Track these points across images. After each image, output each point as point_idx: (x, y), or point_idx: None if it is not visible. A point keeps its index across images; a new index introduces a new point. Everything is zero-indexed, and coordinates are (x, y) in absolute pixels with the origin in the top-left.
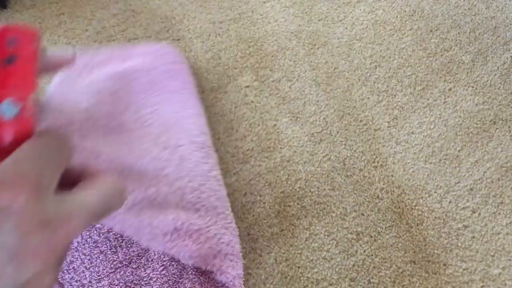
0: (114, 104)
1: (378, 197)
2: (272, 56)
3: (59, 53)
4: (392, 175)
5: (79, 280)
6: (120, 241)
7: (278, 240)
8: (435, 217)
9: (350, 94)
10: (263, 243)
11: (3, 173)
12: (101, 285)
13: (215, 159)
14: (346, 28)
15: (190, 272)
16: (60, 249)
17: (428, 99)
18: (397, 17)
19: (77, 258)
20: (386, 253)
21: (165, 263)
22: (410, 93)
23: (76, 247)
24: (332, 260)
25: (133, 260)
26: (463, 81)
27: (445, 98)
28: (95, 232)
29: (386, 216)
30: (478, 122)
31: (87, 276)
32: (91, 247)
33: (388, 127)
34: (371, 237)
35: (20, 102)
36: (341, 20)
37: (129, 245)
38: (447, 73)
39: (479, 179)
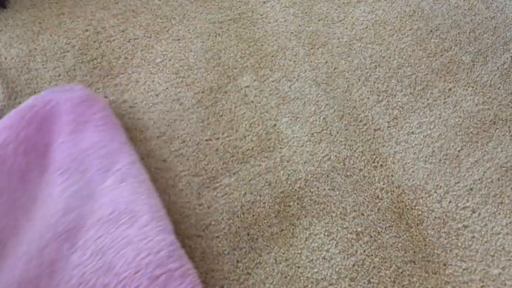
0: None
1: (378, 197)
2: (272, 56)
3: None
4: (392, 175)
5: None
6: None
7: (278, 240)
8: (435, 217)
9: (350, 94)
10: (263, 243)
11: None
12: None
13: None
14: (346, 28)
15: None
16: None
17: (428, 99)
18: (397, 17)
19: None
20: (386, 253)
21: None
22: (410, 93)
23: None
24: (332, 260)
25: None
26: (463, 81)
27: (445, 98)
28: None
29: (386, 216)
30: (478, 122)
31: None
32: None
33: (388, 127)
34: (371, 237)
35: None
36: (341, 20)
37: None
38: (447, 73)
39: (479, 179)
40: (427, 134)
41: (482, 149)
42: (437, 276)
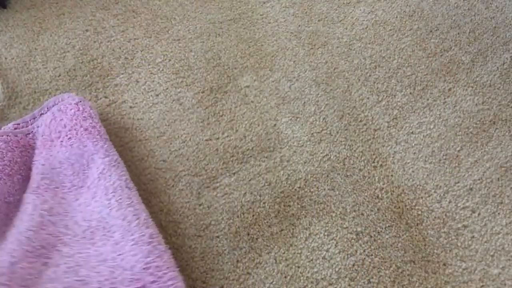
0: None
1: (377, 197)
2: (272, 56)
3: None
4: (391, 175)
5: None
6: None
7: (278, 240)
8: (435, 217)
9: (350, 94)
10: (263, 243)
11: None
12: None
13: None
14: (346, 28)
15: None
16: None
17: (427, 99)
18: (397, 17)
19: None
20: (385, 253)
21: None
22: (410, 93)
23: None
24: (331, 260)
25: None
26: (462, 81)
27: (444, 98)
28: None
29: (385, 216)
30: (478, 122)
31: None
32: None
33: (387, 127)
34: (371, 237)
35: None
36: (341, 20)
37: None
38: (447, 73)
39: (478, 179)
40: (427, 134)
41: (482, 149)
42: (437, 276)
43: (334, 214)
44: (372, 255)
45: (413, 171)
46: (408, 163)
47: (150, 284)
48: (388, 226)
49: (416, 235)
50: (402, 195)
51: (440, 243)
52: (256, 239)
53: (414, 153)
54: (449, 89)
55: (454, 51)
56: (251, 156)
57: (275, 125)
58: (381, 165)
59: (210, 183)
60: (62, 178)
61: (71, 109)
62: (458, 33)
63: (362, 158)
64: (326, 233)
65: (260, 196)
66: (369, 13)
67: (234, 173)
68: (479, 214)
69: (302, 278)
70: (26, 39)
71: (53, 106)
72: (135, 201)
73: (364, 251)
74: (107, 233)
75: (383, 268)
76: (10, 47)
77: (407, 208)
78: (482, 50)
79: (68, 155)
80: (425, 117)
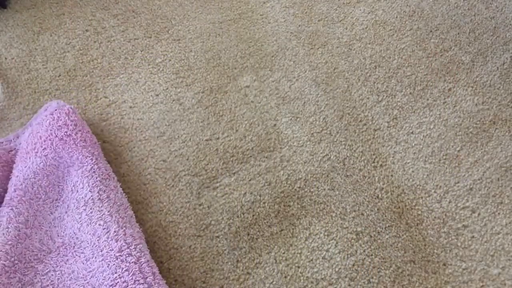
0: None
1: (377, 197)
2: (272, 56)
3: None
4: (391, 175)
5: None
6: None
7: (278, 240)
8: (435, 217)
9: (350, 94)
10: (263, 242)
11: None
12: None
13: None
14: (346, 28)
15: None
16: None
17: (427, 99)
18: (397, 17)
19: None
20: (385, 253)
21: None
22: (410, 93)
23: None
24: (331, 260)
25: None
26: (462, 81)
27: (444, 98)
28: None
29: (385, 216)
30: (478, 122)
31: None
32: None
33: (387, 127)
34: (371, 237)
35: None
36: (341, 20)
37: None
38: (447, 73)
39: (478, 179)
40: (427, 134)
41: (481, 149)
42: (436, 276)
43: (334, 214)
44: (372, 255)
45: (413, 171)
46: (408, 163)
47: None
48: (388, 226)
49: (416, 235)
50: (402, 195)
51: (440, 243)
52: (256, 239)
53: (414, 153)
54: (449, 89)
55: (454, 51)
56: (251, 156)
57: (275, 125)
58: (381, 165)
59: (210, 183)
60: (36, 189)
61: (46, 120)
62: (458, 33)
63: (362, 158)
64: (326, 233)
65: (260, 196)
66: (369, 13)
67: (234, 173)
68: (479, 214)
69: (302, 278)
70: (26, 39)
71: (34, 120)
72: (106, 213)
73: (364, 251)
74: (77, 250)
75: (383, 268)
76: (10, 47)
77: (407, 208)
78: (482, 50)
79: (43, 166)
80: (425, 117)
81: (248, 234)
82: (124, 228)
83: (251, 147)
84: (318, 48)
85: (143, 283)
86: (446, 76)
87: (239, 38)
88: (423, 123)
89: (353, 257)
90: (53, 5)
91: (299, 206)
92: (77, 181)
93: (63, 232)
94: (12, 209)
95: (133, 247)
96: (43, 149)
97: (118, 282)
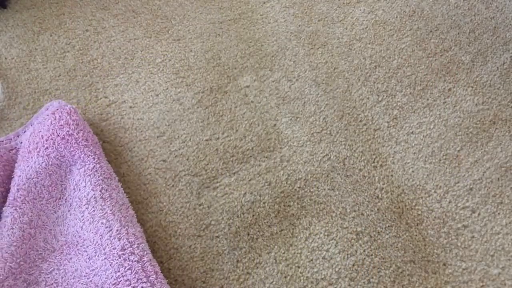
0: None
1: (377, 197)
2: (272, 56)
3: None
4: (391, 175)
5: None
6: None
7: (278, 240)
8: (435, 217)
9: (350, 94)
10: (263, 243)
11: None
12: None
13: None
14: (346, 28)
15: None
16: None
17: (427, 99)
18: (397, 17)
19: None
20: (385, 253)
21: None
22: (410, 93)
23: None
24: (331, 260)
25: None
26: (462, 81)
27: (444, 98)
28: None
29: (385, 216)
30: (478, 122)
31: None
32: None
33: (387, 127)
34: (371, 237)
35: None
36: (341, 20)
37: None
38: (447, 73)
39: (478, 179)
40: (427, 134)
41: (482, 149)
42: (436, 276)
43: (334, 214)
44: (372, 255)
45: (413, 171)
46: (408, 163)
47: None
48: (388, 226)
49: (416, 235)
50: (402, 195)
51: (440, 243)
52: (256, 239)
53: (414, 153)
54: (449, 89)
55: (454, 51)
56: (251, 156)
57: (275, 125)
58: (381, 165)
59: (210, 183)
60: (39, 188)
61: (48, 120)
62: (458, 33)
63: (362, 158)
64: (326, 233)
65: (260, 196)
66: (369, 13)
67: (234, 173)
68: (479, 214)
69: (302, 278)
70: (26, 39)
71: (36, 119)
72: (108, 211)
73: (364, 251)
74: (80, 248)
75: (383, 268)
76: (10, 47)
77: (407, 208)
78: (482, 50)
79: (46, 165)
80: (425, 117)
81: (248, 234)
82: (127, 227)
83: (251, 147)
84: (318, 48)
85: (145, 282)
86: (446, 76)
87: (239, 38)
88: (423, 123)
89: (353, 257)
90: (53, 5)
91: (299, 206)
92: (80, 180)
93: (66, 231)
94: (16, 209)
95: (135, 245)
96: (45, 149)
97: (121, 280)
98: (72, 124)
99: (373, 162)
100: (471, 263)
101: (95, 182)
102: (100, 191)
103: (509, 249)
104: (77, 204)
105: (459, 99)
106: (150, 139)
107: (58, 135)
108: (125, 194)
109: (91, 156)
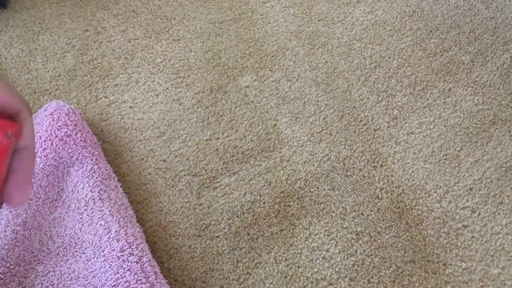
0: None
1: (377, 197)
2: (272, 56)
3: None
4: (391, 175)
5: None
6: None
7: (278, 240)
8: (435, 217)
9: (350, 94)
10: (263, 242)
11: None
12: None
13: None
14: (346, 28)
15: None
16: None
17: (427, 99)
18: (397, 17)
19: None
20: (385, 253)
21: None
22: (410, 93)
23: None
24: (331, 260)
25: None
26: (462, 81)
27: (444, 98)
28: None
29: (385, 216)
30: (478, 122)
31: None
32: None
33: (387, 127)
34: (371, 237)
35: None
36: (341, 20)
37: None
38: (447, 73)
39: (478, 179)
40: (427, 134)
41: (481, 149)
42: (436, 276)
43: (334, 214)
44: (372, 255)
45: (413, 171)
46: (408, 163)
47: None
48: (388, 226)
49: (416, 235)
50: (402, 195)
51: (440, 243)
52: (256, 239)
53: (414, 153)
54: (449, 89)
55: (454, 51)
56: (251, 156)
57: (275, 125)
58: (381, 165)
59: (210, 183)
60: (36, 189)
61: (46, 120)
62: (458, 33)
63: (362, 158)
64: (326, 233)
65: (260, 196)
66: (369, 13)
67: (234, 173)
68: (479, 214)
69: (302, 278)
70: (26, 39)
71: (34, 120)
72: (107, 213)
73: (364, 251)
74: (78, 249)
75: (383, 268)
76: (10, 47)
77: (407, 208)
78: (482, 50)
79: (43, 166)
80: (425, 117)
81: (248, 234)
82: (125, 228)
83: (251, 147)
84: (318, 48)
85: (145, 282)
86: (446, 76)
87: (239, 38)
88: (423, 123)
89: (353, 257)
90: (53, 5)
91: (299, 206)
92: (78, 181)
93: (63, 233)
94: (10, 211)
95: (134, 246)
96: (43, 149)
97: (120, 282)
98: (71, 125)
99: (373, 162)
100: (471, 263)
101: (93, 184)
102: (99, 192)
103: (509, 249)
104: (75, 205)
105: (459, 99)
106: (150, 139)
107: (56, 136)
108: (124, 194)
109: (89, 157)
